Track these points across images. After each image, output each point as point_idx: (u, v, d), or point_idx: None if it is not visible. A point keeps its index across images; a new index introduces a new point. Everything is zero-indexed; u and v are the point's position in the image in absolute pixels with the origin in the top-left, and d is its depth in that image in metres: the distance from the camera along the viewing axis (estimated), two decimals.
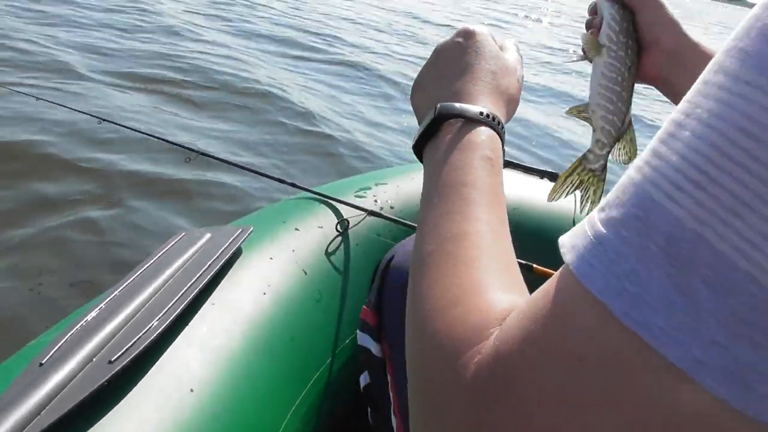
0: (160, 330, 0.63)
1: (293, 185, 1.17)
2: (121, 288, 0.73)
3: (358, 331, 0.71)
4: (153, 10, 5.30)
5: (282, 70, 4.31)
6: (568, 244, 0.27)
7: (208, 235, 0.85)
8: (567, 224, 1.12)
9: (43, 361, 0.59)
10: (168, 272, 0.76)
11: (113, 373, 0.57)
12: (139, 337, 0.62)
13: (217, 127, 3.02)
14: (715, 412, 0.22)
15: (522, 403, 0.26)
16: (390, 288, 0.67)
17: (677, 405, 0.23)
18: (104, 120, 1.45)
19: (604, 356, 0.24)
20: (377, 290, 0.69)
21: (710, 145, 0.22)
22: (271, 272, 0.86)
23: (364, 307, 0.70)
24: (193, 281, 0.73)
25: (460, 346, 0.29)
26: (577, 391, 0.24)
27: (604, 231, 0.25)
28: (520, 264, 1.00)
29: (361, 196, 1.12)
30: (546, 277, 1.01)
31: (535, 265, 0.94)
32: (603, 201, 0.27)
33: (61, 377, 0.56)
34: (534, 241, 0.99)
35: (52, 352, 0.60)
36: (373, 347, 0.67)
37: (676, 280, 0.22)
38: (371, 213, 1.04)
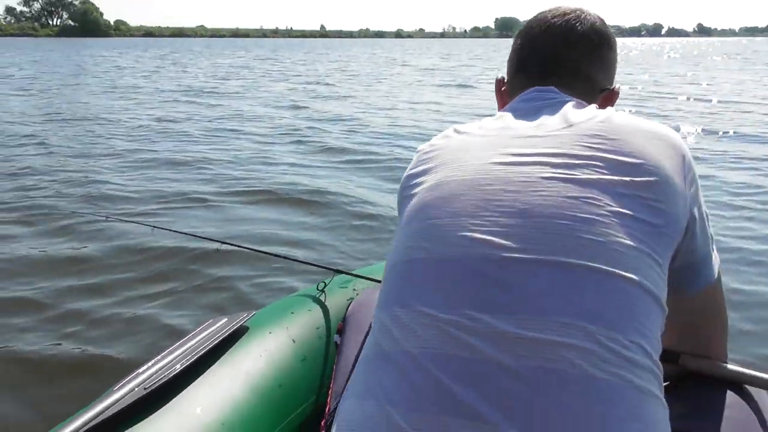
0: (176, 372, 1.04)
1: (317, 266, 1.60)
2: (167, 351, 1.17)
3: (335, 335, 1.26)
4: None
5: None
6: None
7: (225, 319, 1.27)
8: None
9: (115, 388, 1.02)
10: (195, 342, 1.18)
11: (143, 395, 0.98)
12: (163, 376, 1.03)
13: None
14: None
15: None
16: (349, 313, 1.24)
17: None
18: (156, 227, 1.93)
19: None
20: (344, 314, 1.26)
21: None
22: (268, 342, 1.26)
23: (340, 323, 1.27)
24: (206, 345, 1.14)
25: None
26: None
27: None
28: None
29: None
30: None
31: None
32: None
33: (117, 395, 0.98)
34: None
35: (123, 381, 1.04)
36: (338, 339, 1.23)
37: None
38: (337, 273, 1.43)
